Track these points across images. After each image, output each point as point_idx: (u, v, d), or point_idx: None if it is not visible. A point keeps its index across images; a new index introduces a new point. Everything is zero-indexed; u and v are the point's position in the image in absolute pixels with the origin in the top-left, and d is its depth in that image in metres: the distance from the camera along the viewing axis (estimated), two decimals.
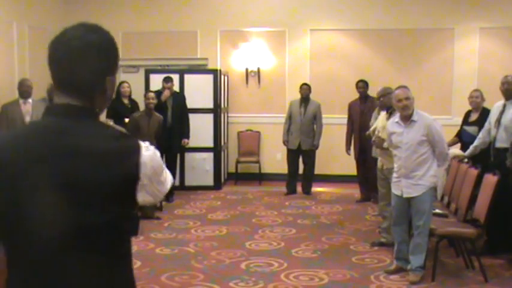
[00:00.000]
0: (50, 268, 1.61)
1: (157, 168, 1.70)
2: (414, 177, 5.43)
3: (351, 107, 9.46)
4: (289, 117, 9.78)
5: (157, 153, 1.74)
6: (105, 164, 1.61)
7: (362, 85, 9.33)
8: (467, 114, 7.52)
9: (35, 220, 1.60)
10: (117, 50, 1.72)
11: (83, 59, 1.64)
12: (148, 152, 1.68)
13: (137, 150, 1.66)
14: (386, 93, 6.68)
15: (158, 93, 9.23)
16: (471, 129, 7.21)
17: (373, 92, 8.81)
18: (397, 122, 5.58)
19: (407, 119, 5.48)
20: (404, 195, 5.51)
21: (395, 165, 5.67)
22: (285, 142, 9.82)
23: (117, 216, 1.65)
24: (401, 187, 5.53)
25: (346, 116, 9.62)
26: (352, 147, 9.46)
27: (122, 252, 1.72)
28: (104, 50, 1.68)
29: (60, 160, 1.59)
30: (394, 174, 5.66)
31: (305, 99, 9.74)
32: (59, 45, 1.66)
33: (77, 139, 1.62)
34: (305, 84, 9.86)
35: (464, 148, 7.19)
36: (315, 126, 9.73)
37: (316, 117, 9.69)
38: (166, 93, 9.15)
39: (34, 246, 1.61)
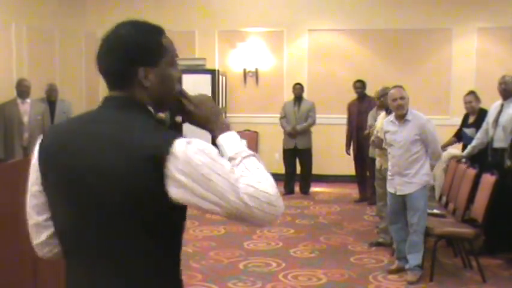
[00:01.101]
0: (76, 260, 1.70)
1: (198, 166, 1.55)
2: (407, 175, 5.49)
3: (349, 107, 9.49)
4: (284, 118, 9.81)
5: (205, 150, 1.58)
6: (120, 152, 1.57)
7: (359, 85, 9.35)
8: (466, 116, 7.52)
9: (57, 213, 1.72)
10: (151, 42, 1.70)
11: (111, 50, 1.69)
12: (188, 146, 1.56)
13: (164, 142, 1.56)
14: (385, 93, 6.69)
15: None
16: (469, 131, 7.21)
17: (371, 92, 8.83)
18: (391, 121, 5.66)
19: (401, 118, 5.55)
20: (398, 193, 5.58)
21: (389, 163, 5.73)
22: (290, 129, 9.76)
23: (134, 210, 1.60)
24: (395, 185, 5.61)
25: (344, 116, 9.65)
26: (351, 147, 9.48)
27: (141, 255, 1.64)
28: (133, 41, 1.69)
29: (78, 147, 1.64)
30: (389, 173, 5.74)
31: (298, 99, 9.79)
32: (101, 40, 1.73)
33: (102, 127, 1.65)
34: (298, 84, 9.91)
35: (465, 150, 7.19)
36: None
37: (309, 115, 9.71)
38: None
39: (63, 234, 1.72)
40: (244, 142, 1.76)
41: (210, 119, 1.78)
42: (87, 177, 1.60)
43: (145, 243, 1.62)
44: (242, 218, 1.58)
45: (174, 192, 1.55)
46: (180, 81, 1.80)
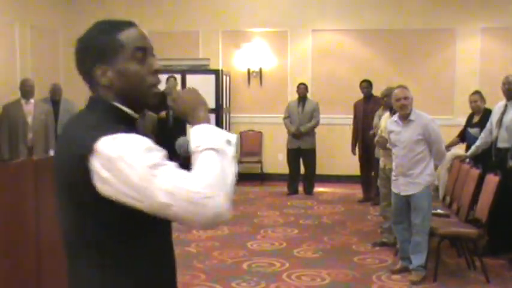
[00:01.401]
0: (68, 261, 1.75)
1: (117, 161, 1.51)
2: (411, 175, 5.49)
3: (356, 106, 9.48)
4: (288, 118, 9.83)
5: (128, 145, 1.53)
6: (64, 151, 1.65)
7: (365, 85, 9.34)
8: (471, 116, 7.52)
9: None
10: (103, 40, 1.68)
11: (75, 53, 1.75)
12: (112, 141, 1.54)
13: (92, 139, 1.55)
14: (389, 93, 6.68)
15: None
16: (474, 131, 7.21)
17: (376, 92, 8.83)
18: (395, 121, 5.66)
19: (405, 118, 5.54)
20: (402, 193, 5.57)
21: (393, 164, 5.72)
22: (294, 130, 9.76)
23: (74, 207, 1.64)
24: (399, 185, 5.60)
25: (348, 116, 9.66)
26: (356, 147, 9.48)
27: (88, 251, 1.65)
28: (86, 42, 1.72)
29: (56, 147, 1.77)
30: (393, 173, 5.73)
31: (302, 99, 9.81)
32: None
33: (67, 127, 1.74)
34: (302, 83, 9.93)
35: (469, 150, 7.18)
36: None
37: (313, 115, 9.72)
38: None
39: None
40: (227, 135, 1.67)
41: (186, 112, 1.75)
42: (55, 176, 1.68)
43: (102, 242, 1.62)
44: (168, 216, 1.52)
45: (102, 189, 1.53)
46: (155, 73, 1.73)
